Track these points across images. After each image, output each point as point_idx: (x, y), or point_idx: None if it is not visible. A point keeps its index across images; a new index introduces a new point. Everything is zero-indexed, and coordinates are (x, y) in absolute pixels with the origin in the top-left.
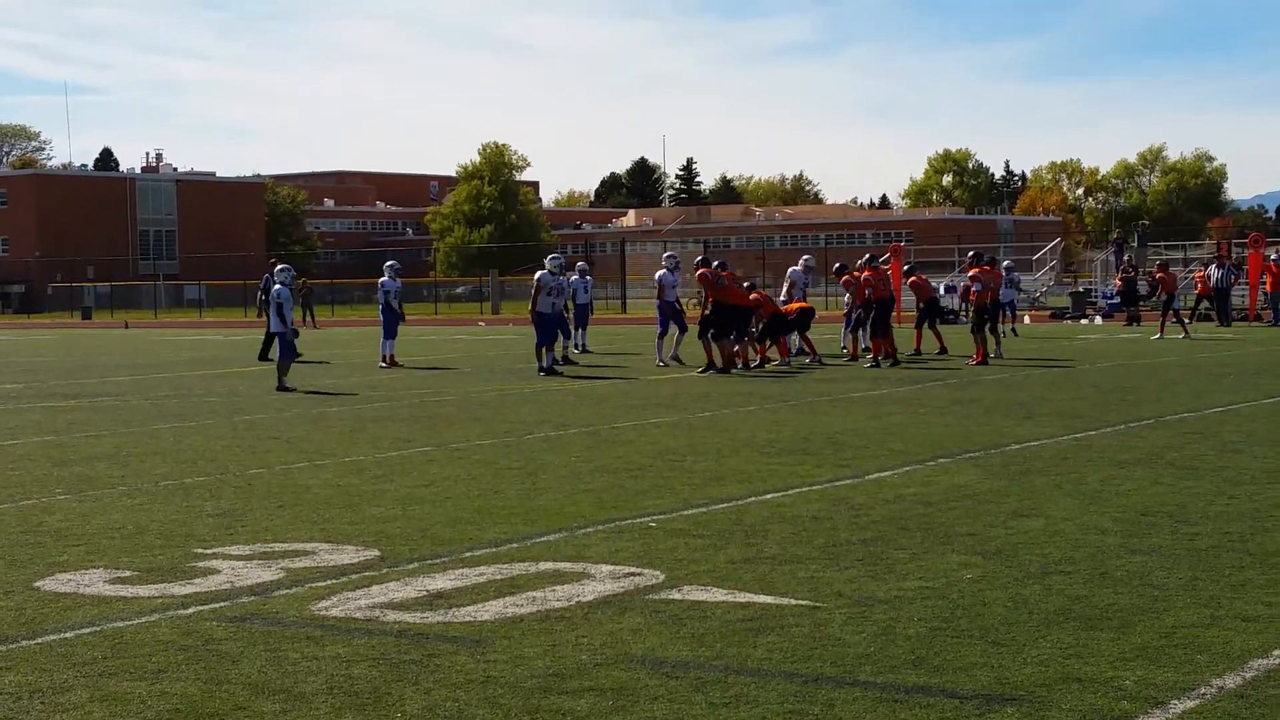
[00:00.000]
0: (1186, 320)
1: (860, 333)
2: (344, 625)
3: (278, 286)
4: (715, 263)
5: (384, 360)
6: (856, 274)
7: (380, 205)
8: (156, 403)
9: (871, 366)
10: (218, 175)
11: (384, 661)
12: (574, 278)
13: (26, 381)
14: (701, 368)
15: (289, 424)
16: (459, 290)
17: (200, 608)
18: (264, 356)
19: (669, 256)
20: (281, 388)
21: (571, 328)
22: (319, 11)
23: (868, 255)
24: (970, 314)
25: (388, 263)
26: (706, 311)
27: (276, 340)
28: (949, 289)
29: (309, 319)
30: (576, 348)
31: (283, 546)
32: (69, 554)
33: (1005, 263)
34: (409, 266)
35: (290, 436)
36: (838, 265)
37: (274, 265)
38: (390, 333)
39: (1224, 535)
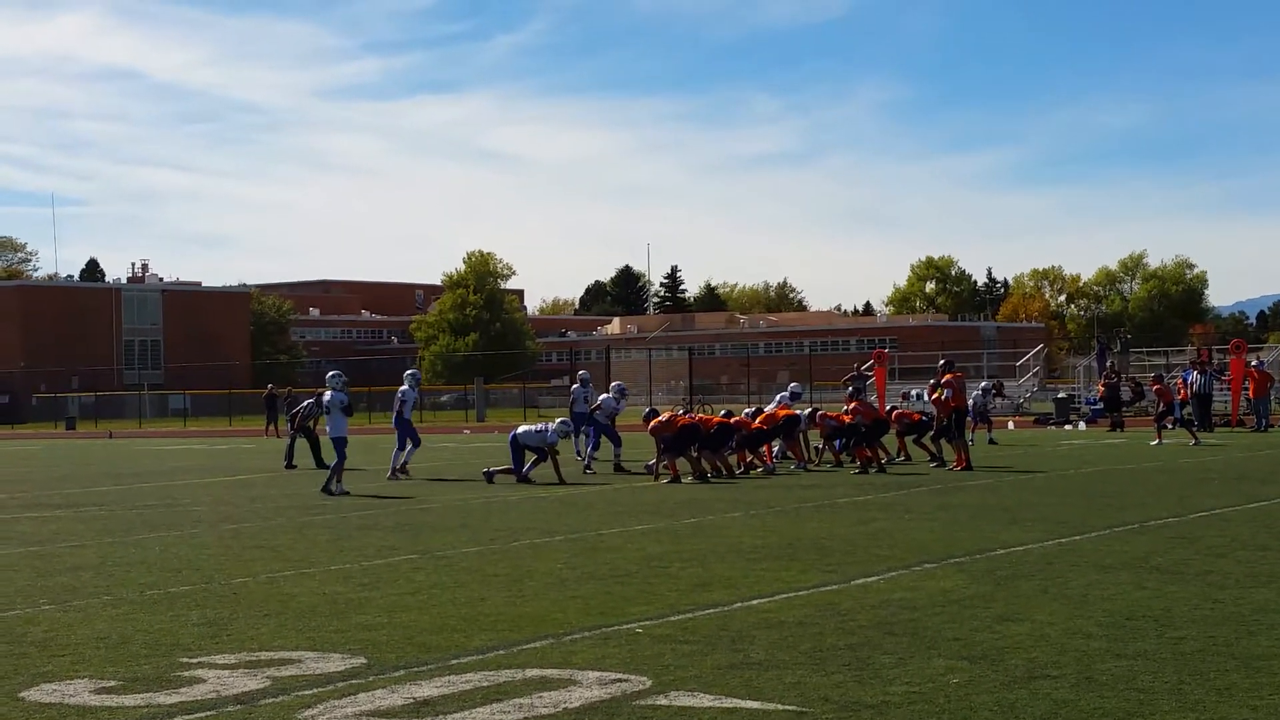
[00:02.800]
0: (1171, 427)
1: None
2: None
3: (331, 393)
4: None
5: (392, 472)
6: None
7: (365, 314)
8: (141, 512)
9: (859, 473)
10: (203, 285)
11: None
12: (575, 386)
13: (10, 492)
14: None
15: (275, 533)
16: (444, 399)
17: (186, 717)
18: (290, 464)
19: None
20: (335, 490)
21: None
22: (302, 124)
23: (850, 389)
24: (953, 421)
25: (408, 371)
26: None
27: (334, 444)
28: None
29: (273, 427)
30: (580, 456)
31: (268, 655)
32: (54, 664)
33: (983, 384)
34: (394, 375)
35: (276, 545)
36: (852, 388)
37: (331, 385)
38: (403, 443)
39: (1209, 639)
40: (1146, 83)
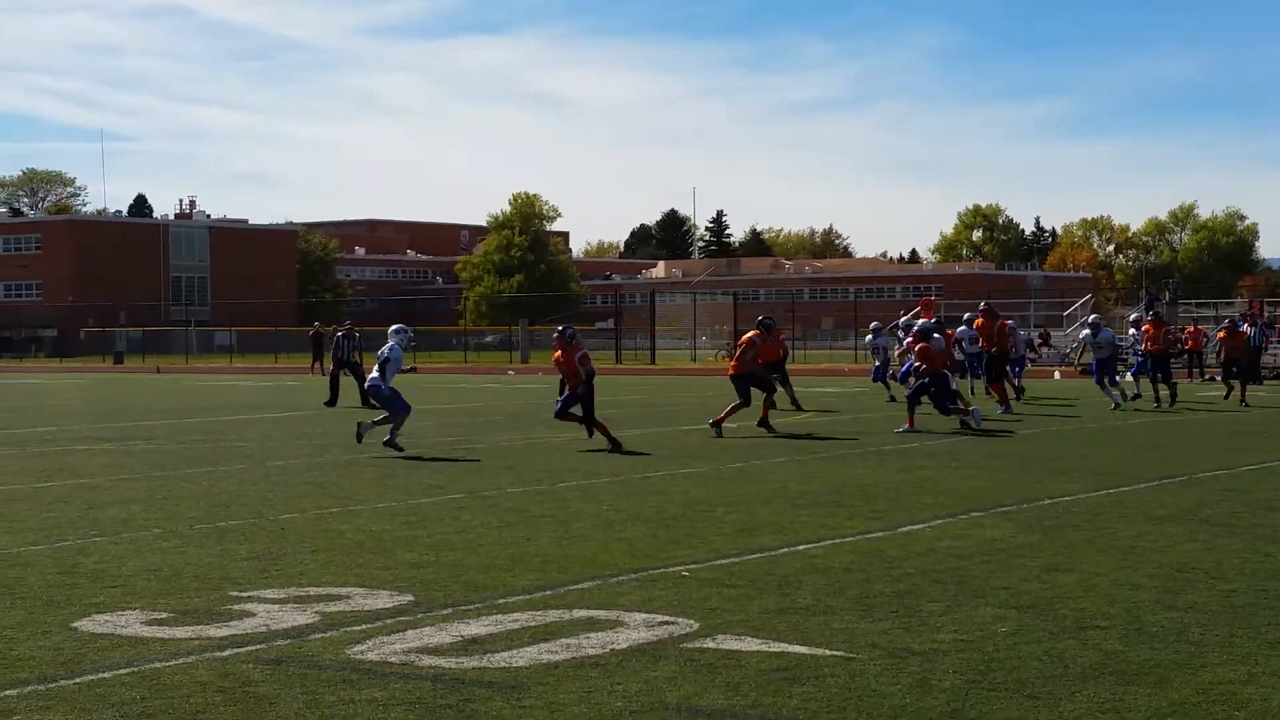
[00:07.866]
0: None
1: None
2: (380, 669)
3: (392, 345)
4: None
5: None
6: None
7: (411, 254)
8: (189, 447)
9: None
10: (250, 222)
11: (420, 706)
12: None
13: (60, 425)
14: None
15: (321, 470)
16: (488, 339)
17: (236, 650)
18: (333, 403)
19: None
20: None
21: None
22: (350, 63)
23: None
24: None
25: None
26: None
27: (378, 396)
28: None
29: (318, 365)
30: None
31: (317, 590)
32: (105, 595)
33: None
34: (439, 315)
35: (323, 482)
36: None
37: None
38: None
39: (1261, 592)
40: (1202, 33)
